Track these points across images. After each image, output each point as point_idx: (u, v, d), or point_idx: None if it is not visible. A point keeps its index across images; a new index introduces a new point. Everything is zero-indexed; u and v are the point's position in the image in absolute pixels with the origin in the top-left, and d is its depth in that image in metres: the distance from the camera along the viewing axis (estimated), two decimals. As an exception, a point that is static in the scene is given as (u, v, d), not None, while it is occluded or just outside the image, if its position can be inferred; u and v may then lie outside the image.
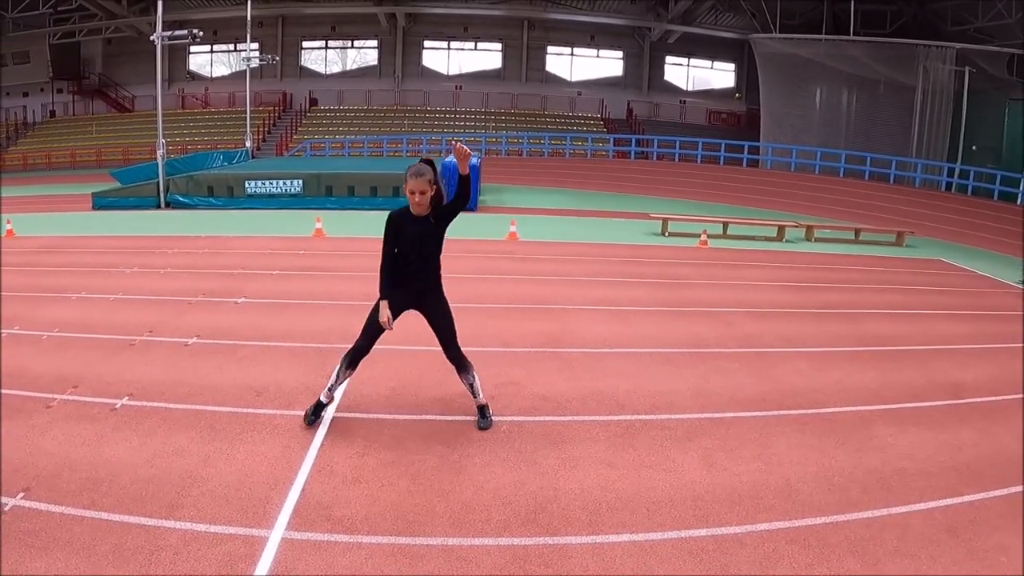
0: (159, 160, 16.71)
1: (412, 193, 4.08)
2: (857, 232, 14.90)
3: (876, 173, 23.95)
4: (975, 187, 22.48)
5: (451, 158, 18.51)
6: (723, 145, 26.75)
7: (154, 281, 8.56)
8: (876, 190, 22.42)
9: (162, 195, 16.62)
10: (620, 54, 34.07)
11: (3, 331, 6.33)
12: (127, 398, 4.86)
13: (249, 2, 24.11)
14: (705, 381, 5.58)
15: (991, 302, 9.52)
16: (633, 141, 29.35)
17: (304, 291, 8.14)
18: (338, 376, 4.42)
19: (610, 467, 4.11)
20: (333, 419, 4.60)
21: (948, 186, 23.54)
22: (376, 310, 4.26)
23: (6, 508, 3.47)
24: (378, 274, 4.25)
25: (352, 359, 4.38)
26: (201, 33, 18.67)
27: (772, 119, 27.69)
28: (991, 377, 6.04)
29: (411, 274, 4.25)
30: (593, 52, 34.08)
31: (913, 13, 27.50)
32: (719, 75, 34.94)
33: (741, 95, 33.88)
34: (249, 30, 24.49)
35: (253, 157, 25.15)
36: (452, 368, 4.51)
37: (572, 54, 34.21)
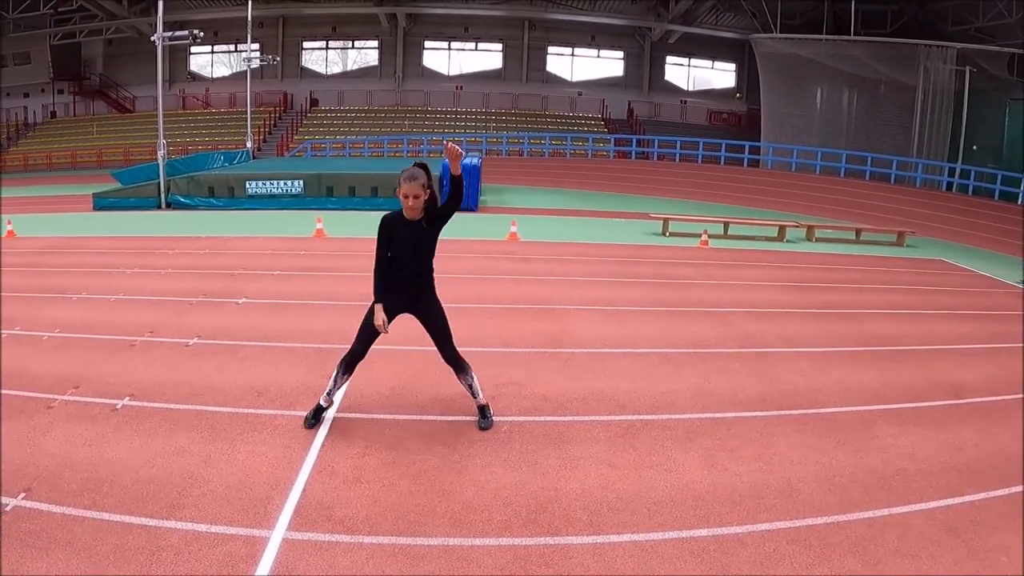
0: (160, 161, 16.72)
1: (406, 197, 4.08)
2: (858, 232, 14.90)
3: (877, 173, 23.95)
4: (976, 187, 22.47)
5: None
6: (724, 145, 26.77)
7: (155, 282, 8.57)
8: (877, 190, 22.42)
9: (163, 196, 16.63)
10: (621, 54, 34.08)
11: (4, 332, 6.33)
12: (128, 398, 4.86)
13: (250, 3, 24.15)
14: (706, 381, 5.58)
15: (992, 302, 9.51)
16: (634, 141, 29.35)
17: (305, 292, 8.15)
18: (335, 381, 4.45)
19: (611, 467, 4.11)
20: (334, 419, 4.60)
21: (949, 186, 23.53)
22: (371, 314, 4.27)
23: (7, 508, 3.48)
24: (372, 276, 4.26)
25: (348, 364, 4.39)
26: (202, 34, 18.69)
27: (773, 119, 27.69)
28: (992, 377, 6.03)
29: (404, 278, 4.25)
30: (594, 52, 34.09)
31: (914, 13, 27.49)
32: (720, 75, 34.94)
33: (742, 95, 33.88)
34: (250, 31, 24.52)
35: (254, 158, 25.17)
36: (451, 368, 4.52)
37: (573, 54, 34.22)
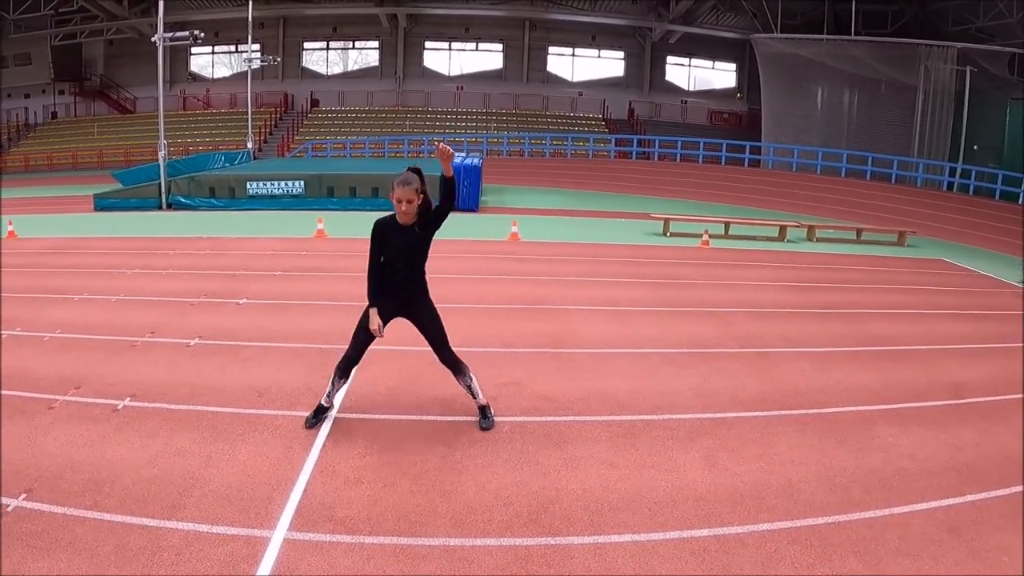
0: (161, 161, 16.73)
1: (399, 202, 4.06)
2: (859, 232, 14.89)
3: (878, 173, 23.95)
4: (977, 187, 22.46)
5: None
6: (724, 145, 26.78)
7: (156, 282, 8.57)
8: (878, 190, 22.42)
9: (164, 196, 16.65)
10: (621, 54, 34.08)
11: (6, 332, 6.34)
12: (129, 399, 4.87)
13: (250, 3, 24.17)
14: (707, 381, 5.58)
15: (993, 302, 9.51)
16: (635, 141, 29.34)
17: (306, 292, 8.15)
18: (333, 385, 4.48)
19: (612, 467, 4.11)
20: (335, 420, 4.61)
21: (950, 186, 23.53)
22: (365, 318, 4.28)
23: (8, 509, 3.48)
24: (365, 279, 4.26)
25: (344, 369, 4.41)
26: (202, 34, 18.70)
27: (773, 119, 27.68)
28: (993, 377, 6.03)
29: (397, 283, 4.25)
30: (594, 52, 34.09)
31: (914, 13, 27.50)
32: (720, 75, 34.93)
33: (742, 95, 33.87)
34: (250, 31, 24.54)
35: (255, 158, 25.18)
36: (449, 371, 4.52)
37: (573, 54, 34.23)
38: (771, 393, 5.38)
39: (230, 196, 16.65)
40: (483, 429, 4.52)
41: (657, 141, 28.67)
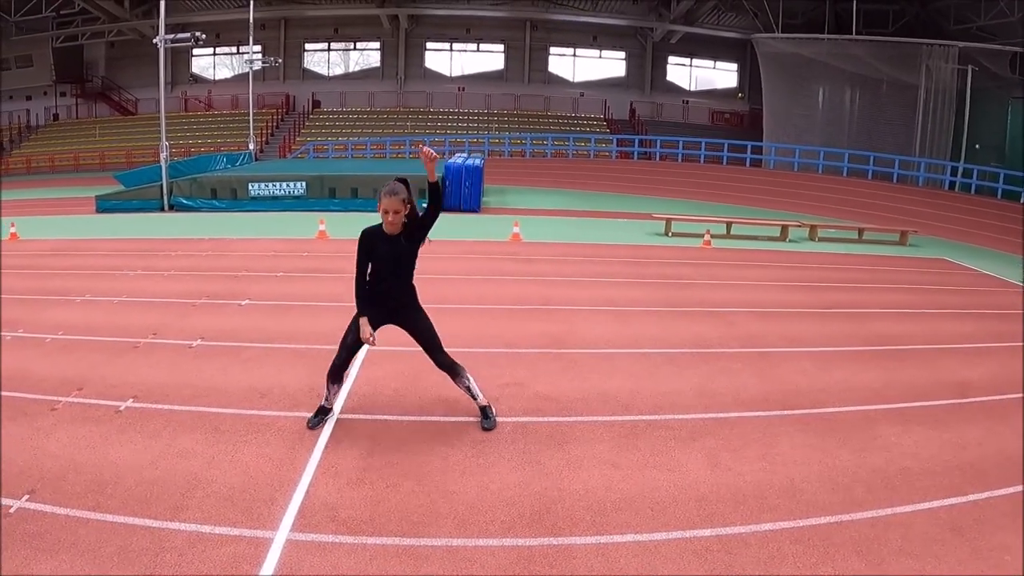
0: (162, 163, 16.76)
1: (386, 212, 4.07)
2: (861, 231, 14.88)
3: (879, 172, 23.93)
4: (978, 186, 22.45)
5: (454, 159, 18.53)
6: (726, 145, 26.77)
7: (158, 283, 8.58)
8: (880, 189, 22.40)
9: (166, 198, 16.68)
10: (622, 55, 34.09)
11: (8, 334, 6.35)
12: (132, 400, 4.87)
13: (251, 5, 24.20)
14: (709, 381, 5.58)
15: (995, 301, 9.49)
16: (636, 141, 29.35)
17: (308, 293, 8.16)
18: (328, 390, 4.51)
19: (614, 467, 4.11)
20: (337, 420, 4.61)
21: (952, 185, 23.50)
22: (353, 326, 4.30)
23: (11, 510, 3.49)
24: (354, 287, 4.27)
25: (335, 375, 4.43)
26: (204, 36, 18.72)
27: (775, 119, 27.68)
28: (995, 376, 6.02)
29: (384, 292, 4.27)
30: (595, 53, 34.11)
31: (915, 12, 27.49)
32: (722, 75, 34.93)
33: (744, 95, 33.87)
34: (252, 32, 24.59)
35: (256, 159, 25.21)
36: (447, 375, 4.52)
37: (575, 55, 34.24)
38: (773, 393, 5.38)
39: (232, 197, 16.68)
40: (485, 430, 4.53)
41: (659, 141, 28.67)
